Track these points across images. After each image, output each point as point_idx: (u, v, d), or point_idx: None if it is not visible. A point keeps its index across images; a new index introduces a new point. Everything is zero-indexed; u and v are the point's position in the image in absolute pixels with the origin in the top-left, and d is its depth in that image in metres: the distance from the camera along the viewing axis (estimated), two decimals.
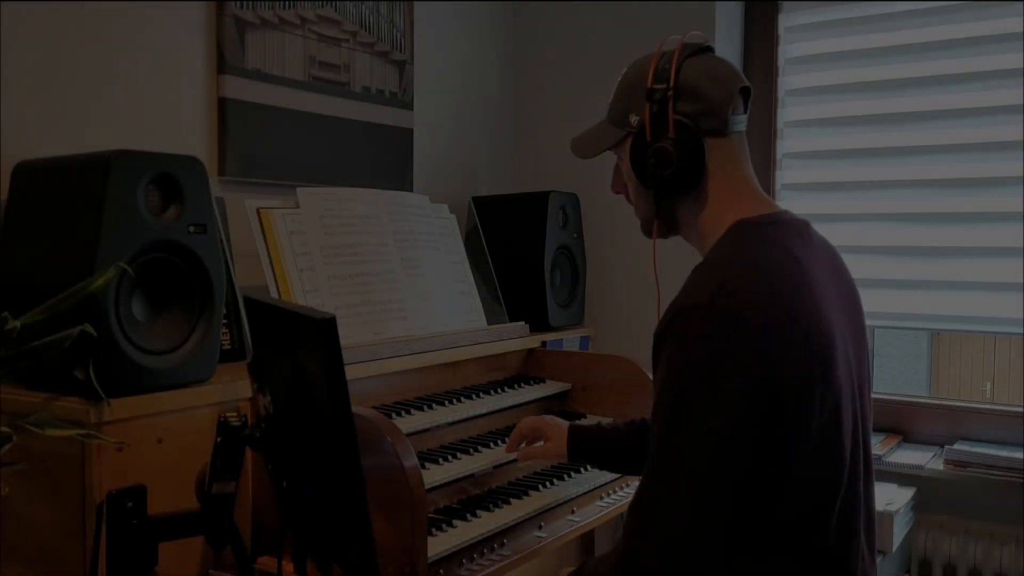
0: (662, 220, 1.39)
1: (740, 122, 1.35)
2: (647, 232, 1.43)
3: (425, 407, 1.91)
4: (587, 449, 1.73)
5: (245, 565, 1.33)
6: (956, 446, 2.27)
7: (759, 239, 1.26)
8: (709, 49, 1.38)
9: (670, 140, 1.30)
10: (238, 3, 2.05)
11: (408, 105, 2.53)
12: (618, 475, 1.99)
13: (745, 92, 1.36)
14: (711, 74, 1.32)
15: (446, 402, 1.96)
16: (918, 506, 2.37)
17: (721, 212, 1.32)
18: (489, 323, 2.27)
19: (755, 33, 2.70)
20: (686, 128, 1.30)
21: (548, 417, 1.83)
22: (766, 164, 2.67)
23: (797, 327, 1.17)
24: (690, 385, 1.15)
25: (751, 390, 1.13)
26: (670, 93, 1.30)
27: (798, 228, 1.33)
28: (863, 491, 1.30)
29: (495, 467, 1.86)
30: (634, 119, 1.35)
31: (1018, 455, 2.19)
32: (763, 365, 1.13)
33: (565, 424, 1.76)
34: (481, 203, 2.57)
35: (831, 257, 1.38)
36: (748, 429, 1.13)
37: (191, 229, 1.48)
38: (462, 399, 2.01)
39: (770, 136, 2.68)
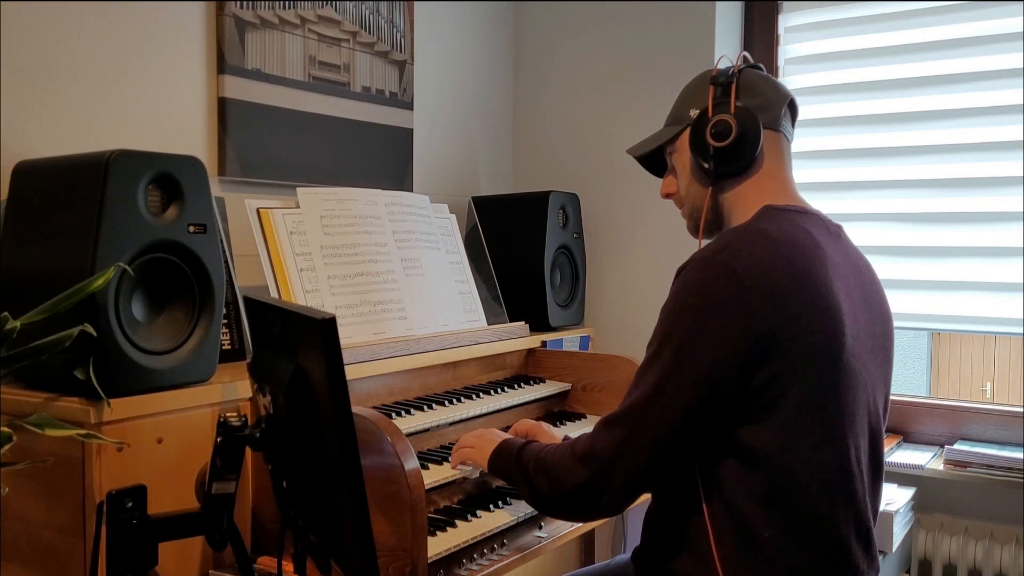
0: (711, 209, 1.45)
1: (788, 129, 1.47)
2: (694, 229, 1.49)
3: (425, 407, 1.91)
4: None
5: (245, 565, 1.33)
6: (956, 446, 2.27)
7: (781, 219, 1.35)
8: (760, 69, 1.49)
9: (731, 115, 1.40)
10: (238, 3, 2.05)
11: (408, 105, 2.53)
12: None
13: (792, 107, 1.47)
14: (767, 80, 1.46)
15: (446, 402, 1.96)
16: (918, 506, 2.37)
17: (759, 199, 1.40)
18: (489, 323, 2.27)
19: (755, 33, 2.70)
20: (746, 110, 1.40)
21: (545, 424, 1.82)
22: None
23: (792, 289, 1.24)
24: (678, 325, 1.27)
25: (731, 338, 1.22)
26: (733, 81, 1.42)
27: (827, 225, 1.41)
28: (869, 488, 1.34)
29: None
30: (694, 112, 1.45)
31: (1018, 455, 2.19)
32: (747, 318, 1.22)
33: (560, 435, 1.74)
34: (481, 203, 2.56)
35: (862, 264, 1.44)
36: (723, 371, 1.23)
37: (191, 229, 1.48)
38: (462, 399, 2.01)
39: None
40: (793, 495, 1.26)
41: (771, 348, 1.22)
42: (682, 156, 1.48)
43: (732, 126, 1.38)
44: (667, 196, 1.55)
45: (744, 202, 1.41)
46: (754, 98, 1.41)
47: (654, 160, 1.56)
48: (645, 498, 1.41)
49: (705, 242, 1.48)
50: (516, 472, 1.47)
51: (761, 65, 1.50)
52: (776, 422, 1.24)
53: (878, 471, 1.39)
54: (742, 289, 1.22)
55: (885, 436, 2.46)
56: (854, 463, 1.30)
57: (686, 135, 1.46)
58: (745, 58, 1.48)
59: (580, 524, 1.84)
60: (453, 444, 1.90)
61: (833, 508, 1.28)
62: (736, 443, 1.26)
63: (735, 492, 1.26)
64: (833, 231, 1.40)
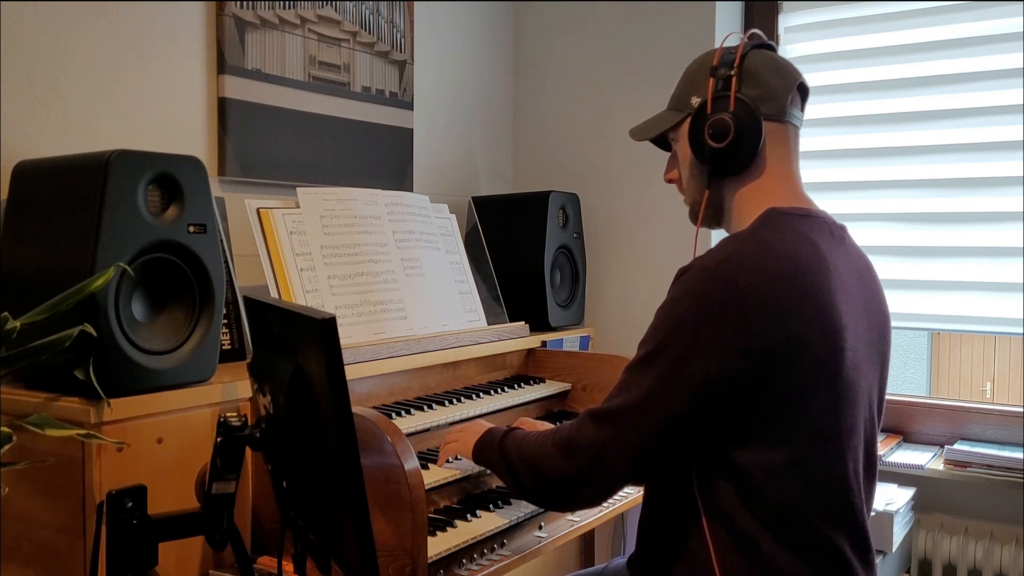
0: (710, 203, 1.42)
1: (796, 116, 1.41)
2: (694, 219, 1.46)
3: (425, 407, 1.91)
4: None
5: (245, 565, 1.33)
6: (956, 446, 2.27)
7: (785, 226, 1.31)
8: (771, 48, 1.43)
9: (730, 114, 1.34)
10: (238, 3, 2.05)
11: (408, 105, 2.53)
12: None
13: (802, 90, 1.41)
14: (773, 65, 1.39)
15: (446, 402, 1.96)
16: (918, 506, 2.37)
17: (762, 201, 1.36)
18: (489, 323, 2.27)
19: None
20: (746, 106, 1.35)
21: (543, 424, 1.82)
22: None
23: (795, 305, 1.21)
24: (675, 334, 1.24)
25: (728, 353, 1.20)
26: (733, 73, 1.36)
27: (831, 227, 1.37)
28: (864, 494, 1.33)
29: None
30: (695, 100, 1.40)
31: (1018, 455, 2.19)
32: (746, 334, 1.20)
33: None
34: (481, 203, 2.56)
35: (863, 267, 1.40)
36: (718, 385, 1.21)
37: (191, 229, 1.48)
38: (462, 399, 2.01)
39: None
40: (792, 513, 1.25)
41: (770, 367, 1.20)
42: (683, 146, 1.44)
43: (730, 127, 1.34)
44: (669, 181, 1.51)
45: (746, 203, 1.38)
46: (757, 88, 1.36)
47: (658, 137, 1.51)
48: (637, 500, 1.41)
49: (701, 234, 1.48)
50: (499, 461, 1.48)
51: (772, 43, 1.43)
52: (774, 444, 1.23)
53: (872, 473, 1.38)
54: (743, 304, 1.20)
55: (885, 436, 2.48)
56: (852, 476, 1.29)
57: (687, 125, 1.41)
58: (754, 36, 1.41)
59: (580, 525, 1.84)
60: None
61: (832, 523, 1.27)
62: (733, 464, 1.25)
63: (734, 508, 1.25)
64: (837, 235, 1.37)
